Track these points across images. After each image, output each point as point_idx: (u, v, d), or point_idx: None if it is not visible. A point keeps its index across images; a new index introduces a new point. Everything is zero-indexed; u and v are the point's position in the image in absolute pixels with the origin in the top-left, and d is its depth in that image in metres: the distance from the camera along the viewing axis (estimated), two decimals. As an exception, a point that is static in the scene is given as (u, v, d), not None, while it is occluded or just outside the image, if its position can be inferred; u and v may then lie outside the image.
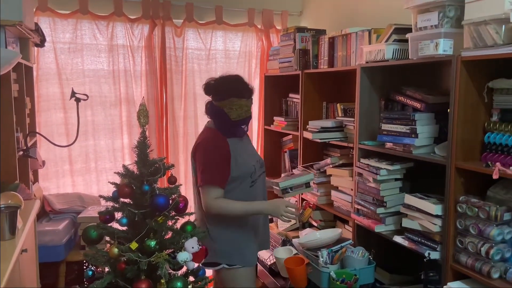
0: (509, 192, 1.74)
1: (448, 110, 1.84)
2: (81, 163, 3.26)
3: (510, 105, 1.74)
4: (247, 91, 2.10)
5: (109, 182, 1.77)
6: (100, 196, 1.79)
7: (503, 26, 1.59)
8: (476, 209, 1.73)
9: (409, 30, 2.05)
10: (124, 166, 1.76)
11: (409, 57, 2.06)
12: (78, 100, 2.59)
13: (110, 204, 1.75)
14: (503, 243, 1.68)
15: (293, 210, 2.04)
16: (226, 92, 2.05)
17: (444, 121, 1.96)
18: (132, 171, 1.74)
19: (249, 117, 2.11)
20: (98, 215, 1.75)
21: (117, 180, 1.76)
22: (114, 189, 1.74)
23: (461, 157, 1.82)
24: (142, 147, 1.73)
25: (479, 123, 1.83)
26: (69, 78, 3.15)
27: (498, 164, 1.66)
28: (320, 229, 2.83)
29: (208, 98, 2.14)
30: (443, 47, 1.83)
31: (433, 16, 1.88)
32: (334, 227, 2.84)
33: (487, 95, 1.80)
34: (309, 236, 2.57)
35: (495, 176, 1.64)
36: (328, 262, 2.22)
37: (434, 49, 1.85)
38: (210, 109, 2.11)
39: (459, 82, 1.77)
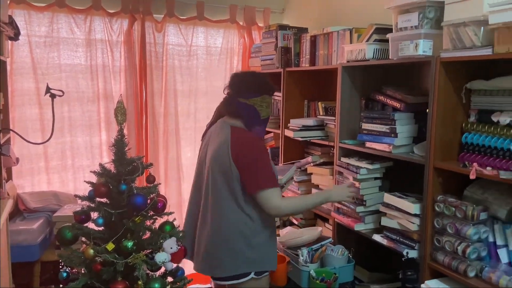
0: (486, 192, 1.77)
1: (427, 110, 1.86)
2: (57, 160, 3.18)
3: (488, 106, 1.77)
4: (274, 88, 2.03)
5: (85, 181, 1.73)
6: (76, 196, 1.74)
7: (482, 28, 1.61)
8: (453, 209, 1.75)
9: (389, 30, 2.06)
10: (100, 164, 1.72)
11: (390, 57, 2.07)
12: (53, 96, 2.51)
13: (86, 203, 1.71)
14: (479, 242, 1.71)
15: (354, 192, 2.09)
16: (260, 89, 1.95)
17: (423, 121, 1.98)
18: (109, 169, 1.70)
19: (269, 117, 2.04)
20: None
21: (94, 179, 1.72)
22: (90, 188, 1.70)
23: (439, 157, 1.84)
24: (119, 145, 1.70)
25: (457, 123, 1.85)
26: (44, 72, 3.06)
27: (475, 164, 1.69)
28: (300, 228, 2.83)
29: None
30: (423, 48, 1.85)
31: (413, 16, 1.89)
32: (314, 225, 2.85)
33: (465, 96, 1.82)
34: (289, 234, 2.57)
35: (472, 176, 1.67)
36: (308, 260, 2.22)
37: (414, 49, 1.87)
38: (240, 107, 1.93)
39: (438, 82, 1.79)
